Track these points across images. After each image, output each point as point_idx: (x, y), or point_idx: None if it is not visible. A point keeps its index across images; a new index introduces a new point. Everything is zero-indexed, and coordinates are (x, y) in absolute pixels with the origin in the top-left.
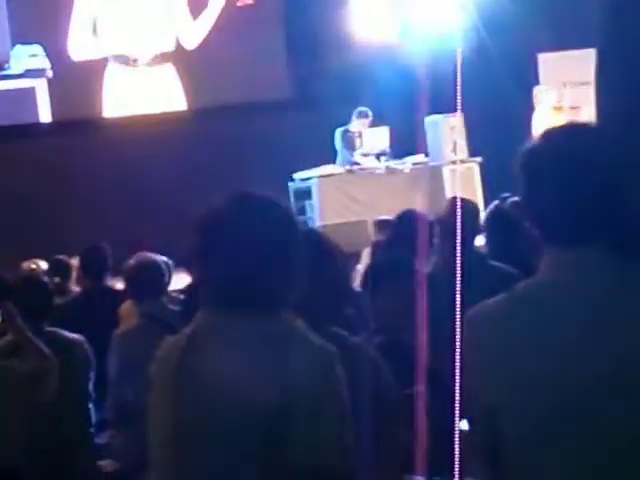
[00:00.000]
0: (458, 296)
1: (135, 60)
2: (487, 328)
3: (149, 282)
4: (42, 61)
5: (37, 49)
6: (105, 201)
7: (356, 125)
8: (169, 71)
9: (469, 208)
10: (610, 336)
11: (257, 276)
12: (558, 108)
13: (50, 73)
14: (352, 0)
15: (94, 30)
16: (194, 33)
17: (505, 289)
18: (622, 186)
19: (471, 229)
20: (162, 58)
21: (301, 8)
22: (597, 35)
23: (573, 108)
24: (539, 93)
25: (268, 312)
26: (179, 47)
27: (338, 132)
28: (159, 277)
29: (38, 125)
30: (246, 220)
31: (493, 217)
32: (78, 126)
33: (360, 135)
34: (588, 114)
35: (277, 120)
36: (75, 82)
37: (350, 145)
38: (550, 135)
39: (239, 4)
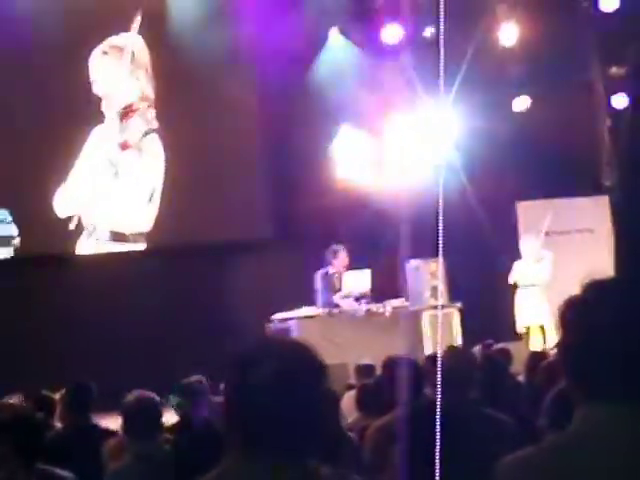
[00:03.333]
0: (438, 441)
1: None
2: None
3: (147, 420)
4: (9, 228)
5: (3, 214)
6: (76, 338)
7: (336, 266)
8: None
9: (466, 357)
10: None
11: (289, 425)
12: (539, 259)
13: (18, 240)
14: (334, 143)
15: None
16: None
17: (500, 437)
18: None
19: (467, 378)
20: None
21: (285, 150)
22: (613, 185)
23: (539, 260)
24: (523, 242)
25: (296, 459)
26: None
27: (318, 274)
28: (157, 415)
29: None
30: (292, 368)
31: (483, 365)
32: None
33: (340, 276)
34: (567, 262)
35: (257, 260)
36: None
37: (330, 287)
38: (593, 289)
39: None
